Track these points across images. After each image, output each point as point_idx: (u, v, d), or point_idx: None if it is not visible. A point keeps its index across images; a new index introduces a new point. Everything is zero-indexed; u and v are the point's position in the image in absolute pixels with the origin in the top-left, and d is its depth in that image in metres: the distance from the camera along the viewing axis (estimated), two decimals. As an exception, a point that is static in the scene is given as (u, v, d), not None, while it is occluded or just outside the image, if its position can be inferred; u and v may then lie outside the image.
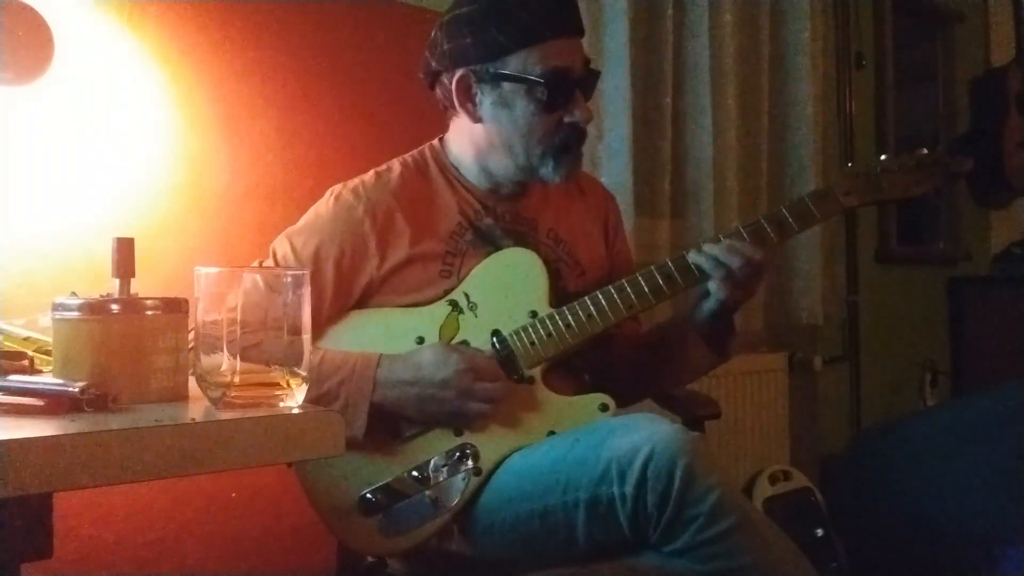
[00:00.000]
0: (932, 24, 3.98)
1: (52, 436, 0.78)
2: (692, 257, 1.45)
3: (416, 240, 1.47)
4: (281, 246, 1.49)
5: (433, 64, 1.50)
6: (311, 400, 1.29)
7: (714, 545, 1.22)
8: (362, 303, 1.49)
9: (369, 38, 2.03)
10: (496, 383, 1.40)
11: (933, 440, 2.84)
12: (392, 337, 1.46)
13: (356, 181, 1.52)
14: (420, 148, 1.59)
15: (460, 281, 1.48)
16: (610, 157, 2.33)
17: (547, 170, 1.48)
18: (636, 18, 2.36)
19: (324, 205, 1.51)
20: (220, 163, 1.81)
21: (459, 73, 1.46)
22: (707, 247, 1.44)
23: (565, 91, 1.45)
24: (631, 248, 1.81)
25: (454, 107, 1.50)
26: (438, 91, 1.52)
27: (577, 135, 1.48)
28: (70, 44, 1.55)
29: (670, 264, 1.48)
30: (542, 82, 1.42)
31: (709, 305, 1.47)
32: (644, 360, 1.62)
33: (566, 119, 1.46)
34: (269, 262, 1.48)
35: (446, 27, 1.47)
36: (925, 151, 1.53)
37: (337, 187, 1.52)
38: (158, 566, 1.71)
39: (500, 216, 1.54)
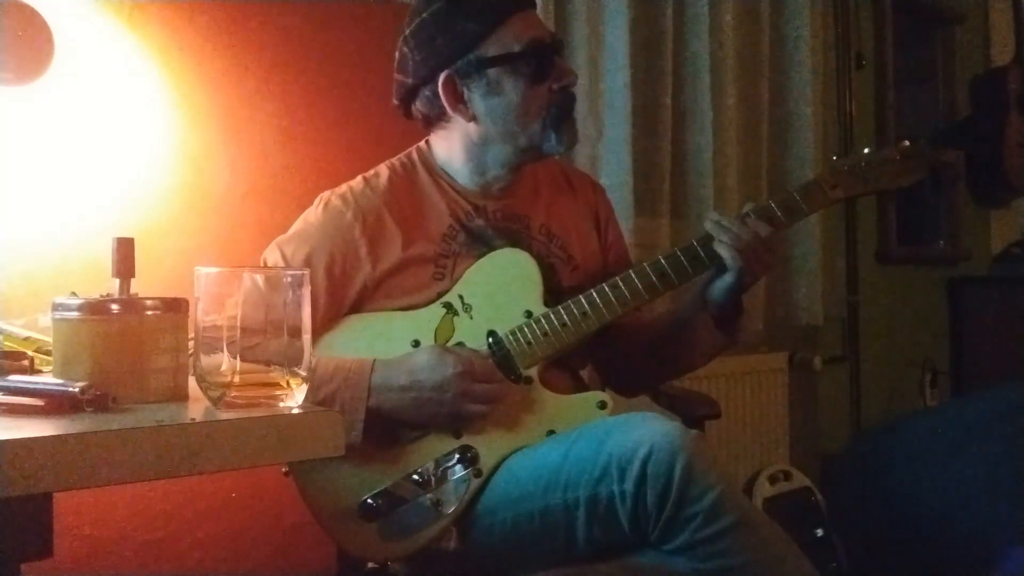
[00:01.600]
0: (932, 24, 3.98)
1: (52, 436, 0.78)
2: (707, 225, 1.46)
3: (408, 243, 1.47)
4: (272, 255, 1.48)
5: (410, 81, 1.50)
6: (306, 408, 1.30)
7: (713, 543, 1.22)
8: (357, 308, 1.48)
9: (369, 38, 2.02)
10: (493, 384, 1.40)
11: (933, 440, 2.84)
12: (387, 341, 1.45)
13: (344, 187, 1.52)
14: (407, 151, 1.59)
15: (454, 283, 1.48)
16: (610, 157, 2.32)
17: (550, 143, 1.49)
18: (636, 18, 2.36)
19: (313, 212, 1.50)
20: (220, 163, 1.81)
21: (442, 77, 1.46)
22: (721, 218, 1.46)
23: (546, 59, 1.47)
24: (630, 246, 1.81)
25: (444, 114, 1.49)
26: (418, 108, 1.52)
27: (569, 100, 1.50)
28: (70, 44, 1.55)
29: (663, 261, 1.48)
30: (525, 54, 1.44)
31: (726, 279, 1.46)
32: (655, 346, 1.61)
33: (555, 86, 1.48)
34: None
35: (412, 39, 1.48)
36: (907, 143, 1.55)
37: (326, 194, 1.52)
38: (158, 566, 1.71)
39: (491, 215, 1.54)
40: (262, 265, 1.48)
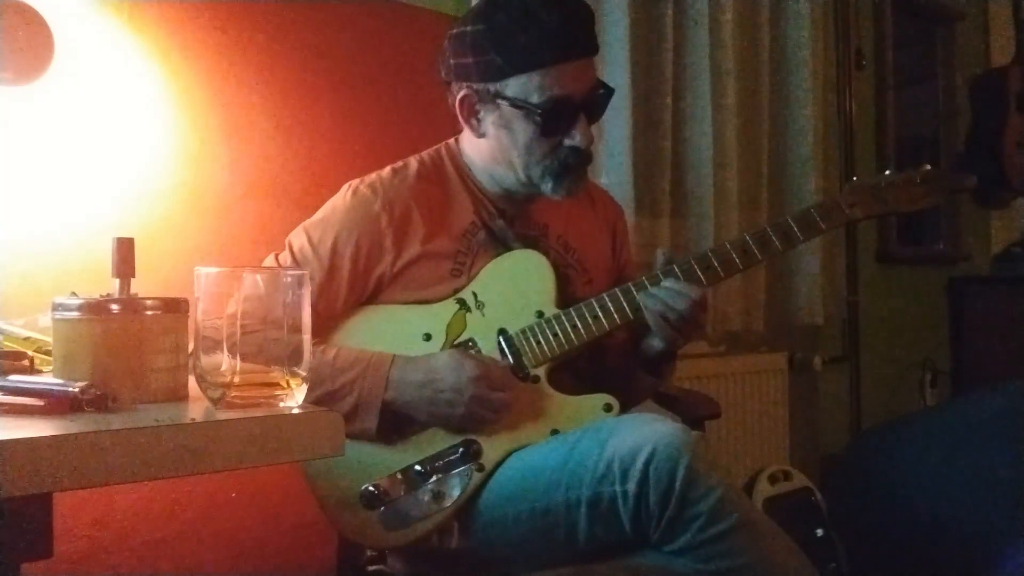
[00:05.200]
0: (932, 24, 3.98)
1: (52, 436, 0.77)
2: (640, 298, 1.46)
3: (429, 238, 1.48)
4: (298, 239, 1.49)
5: (442, 74, 1.51)
6: (322, 396, 1.31)
7: (715, 544, 1.22)
8: (372, 298, 1.49)
9: (369, 38, 2.02)
10: (508, 392, 1.41)
11: (933, 440, 2.84)
12: (399, 333, 1.46)
13: (373, 176, 1.52)
14: (436, 147, 1.60)
15: (470, 280, 1.48)
16: (610, 157, 2.33)
17: (547, 187, 1.48)
18: (636, 18, 2.36)
19: (341, 199, 1.51)
20: (220, 163, 1.81)
21: (463, 91, 1.46)
22: (654, 289, 1.46)
23: (566, 117, 1.44)
24: (631, 248, 1.81)
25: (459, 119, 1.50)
26: (449, 97, 1.52)
27: (578, 156, 1.47)
28: (70, 44, 1.54)
29: (675, 268, 1.48)
30: (539, 111, 1.41)
31: (655, 345, 1.50)
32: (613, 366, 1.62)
33: (566, 142, 1.45)
34: (285, 254, 1.48)
35: (452, 41, 1.47)
36: (929, 167, 1.57)
37: (354, 182, 1.52)
38: (158, 566, 1.71)
39: (512, 220, 1.55)
40: (287, 248, 1.49)
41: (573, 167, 1.47)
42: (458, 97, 1.47)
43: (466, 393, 1.37)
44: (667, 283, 1.45)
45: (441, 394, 1.38)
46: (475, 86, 1.45)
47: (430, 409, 1.40)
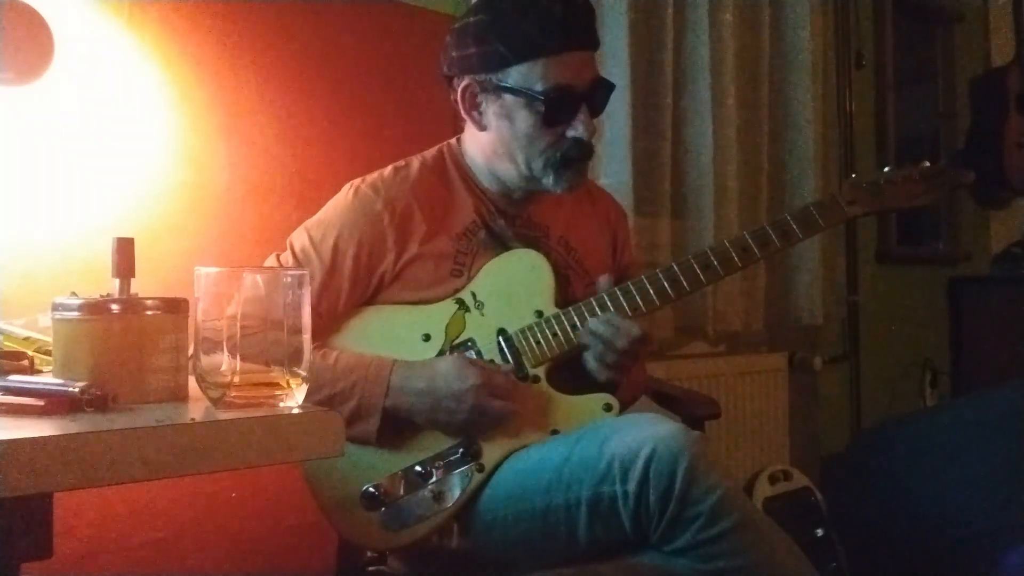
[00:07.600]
0: (932, 24, 3.98)
1: (52, 436, 0.77)
2: (590, 324, 1.43)
3: (429, 237, 1.48)
4: (299, 238, 1.49)
5: (444, 69, 1.51)
6: (321, 400, 1.30)
7: (715, 544, 1.22)
8: (372, 298, 1.49)
9: (369, 38, 2.02)
10: (509, 402, 1.40)
11: (933, 440, 2.84)
12: (399, 334, 1.46)
13: (375, 175, 1.52)
14: (438, 147, 1.60)
15: (470, 280, 1.48)
16: (610, 157, 2.33)
17: (549, 181, 1.48)
18: (636, 18, 2.36)
19: (343, 198, 1.50)
20: (220, 163, 1.81)
21: (464, 81, 1.47)
22: (592, 323, 1.43)
23: (567, 107, 1.44)
24: (633, 250, 1.81)
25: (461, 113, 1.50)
26: (452, 93, 1.52)
27: (580, 149, 1.47)
28: (70, 44, 1.54)
29: (675, 268, 1.48)
30: (541, 98, 1.41)
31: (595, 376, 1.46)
32: None
33: (569, 133, 1.45)
34: (287, 255, 1.48)
35: (455, 34, 1.48)
36: (928, 163, 1.56)
37: (356, 181, 1.52)
38: (158, 566, 1.71)
39: (513, 220, 1.54)
40: (288, 248, 1.49)
41: (575, 160, 1.47)
42: (460, 89, 1.47)
43: (466, 401, 1.37)
44: (609, 317, 1.43)
45: (442, 402, 1.38)
46: (477, 77, 1.45)
47: (431, 416, 1.40)
